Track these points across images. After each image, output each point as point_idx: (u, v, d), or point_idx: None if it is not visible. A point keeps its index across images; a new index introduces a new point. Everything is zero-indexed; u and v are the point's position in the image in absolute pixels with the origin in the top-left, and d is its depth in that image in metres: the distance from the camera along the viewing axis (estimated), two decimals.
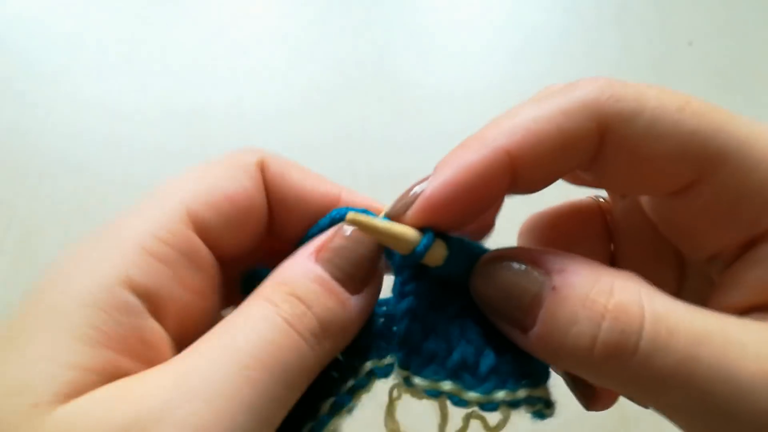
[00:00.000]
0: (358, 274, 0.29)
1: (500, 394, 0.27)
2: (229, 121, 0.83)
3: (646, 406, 0.27)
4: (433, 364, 0.28)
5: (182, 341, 0.28)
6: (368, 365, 0.30)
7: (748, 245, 0.28)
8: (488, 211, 0.30)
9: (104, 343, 0.25)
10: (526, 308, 0.26)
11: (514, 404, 0.28)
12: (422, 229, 0.28)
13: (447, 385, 0.28)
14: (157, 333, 0.27)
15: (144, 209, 0.28)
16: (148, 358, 0.26)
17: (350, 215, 0.28)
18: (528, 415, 0.29)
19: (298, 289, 0.27)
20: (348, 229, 0.29)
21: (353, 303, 0.29)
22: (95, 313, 0.25)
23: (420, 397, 0.29)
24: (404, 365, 0.29)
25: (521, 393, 0.28)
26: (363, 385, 0.29)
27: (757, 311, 0.27)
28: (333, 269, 0.28)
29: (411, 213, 0.28)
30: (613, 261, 0.36)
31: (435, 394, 0.28)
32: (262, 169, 0.31)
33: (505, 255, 0.28)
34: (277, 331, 0.26)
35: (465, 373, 0.28)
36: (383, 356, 0.30)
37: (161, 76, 0.87)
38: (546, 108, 0.27)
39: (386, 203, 0.31)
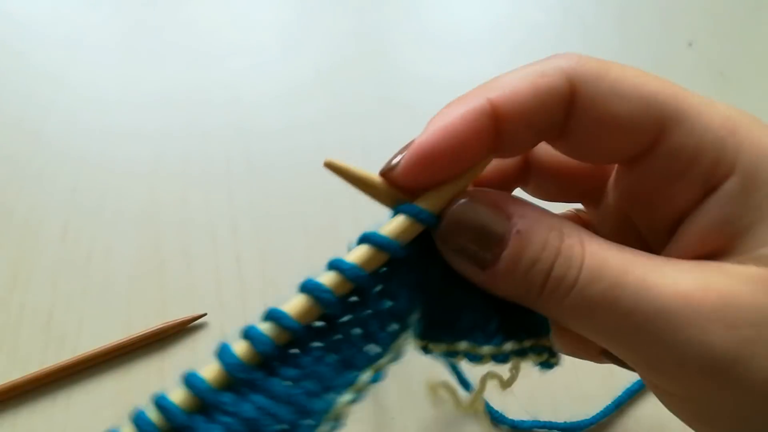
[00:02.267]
0: None
1: (509, 345, 0.31)
2: (227, 105, 0.82)
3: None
4: (447, 330, 0.31)
5: None
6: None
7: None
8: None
9: None
10: (492, 247, 0.30)
11: (522, 353, 0.32)
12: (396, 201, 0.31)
13: (462, 345, 0.31)
14: None
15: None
16: None
17: (327, 160, 0.29)
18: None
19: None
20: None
21: None
22: None
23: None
24: (422, 336, 0.32)
25: (527, 342, 0.32)
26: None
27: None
28: None
29: (402, 164, 0.30)
30: None
31: (452, 355, 0.32)
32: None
33: (473, 196, 0.31)
34: None
35: (477, 332, 0.31)
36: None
37: (159, 62, 0.87)
38: (525, 70, 0.31)
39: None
